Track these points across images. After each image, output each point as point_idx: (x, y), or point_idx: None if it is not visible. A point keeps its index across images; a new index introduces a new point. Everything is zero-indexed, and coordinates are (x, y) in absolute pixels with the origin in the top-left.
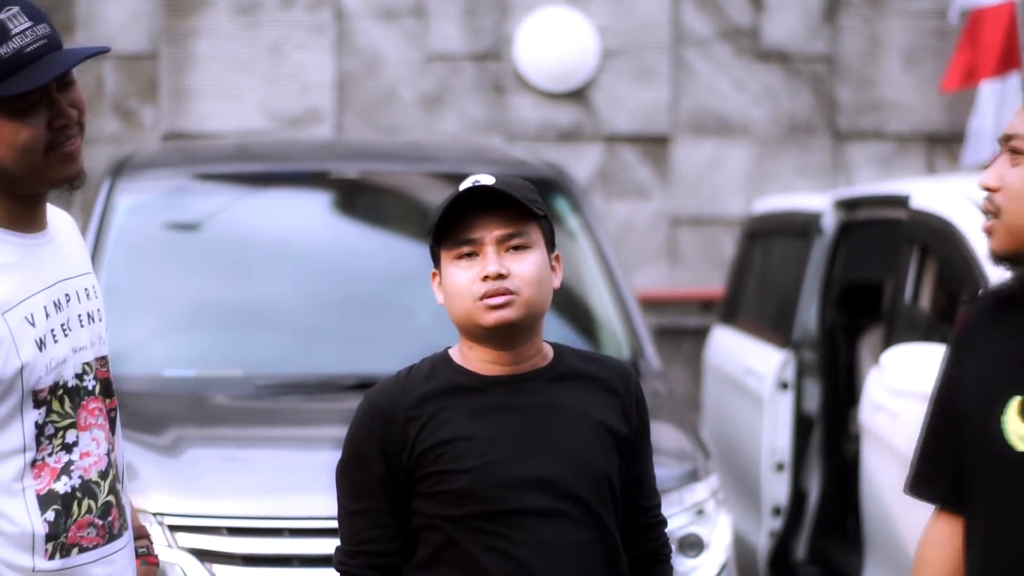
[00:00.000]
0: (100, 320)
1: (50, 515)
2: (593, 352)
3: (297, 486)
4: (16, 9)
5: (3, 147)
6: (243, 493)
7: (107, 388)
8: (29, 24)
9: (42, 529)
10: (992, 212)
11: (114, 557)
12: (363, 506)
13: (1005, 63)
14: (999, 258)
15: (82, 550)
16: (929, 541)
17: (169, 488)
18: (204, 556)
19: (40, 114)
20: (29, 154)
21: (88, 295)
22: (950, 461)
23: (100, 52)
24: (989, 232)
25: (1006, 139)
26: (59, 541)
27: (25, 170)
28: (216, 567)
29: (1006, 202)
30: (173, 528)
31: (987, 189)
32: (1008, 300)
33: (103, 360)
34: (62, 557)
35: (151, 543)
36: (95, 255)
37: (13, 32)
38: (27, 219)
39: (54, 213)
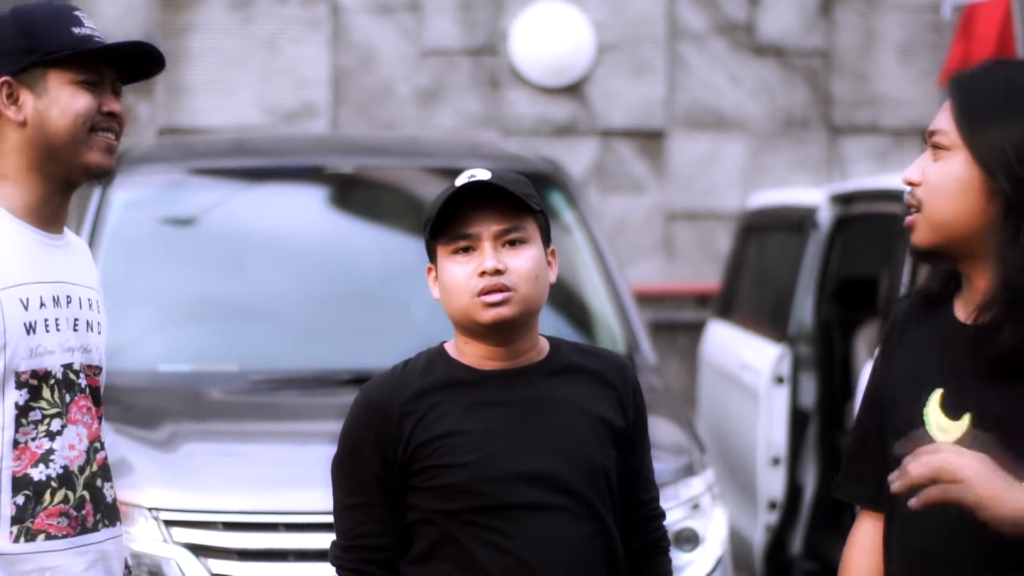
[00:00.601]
0: (100, 333)
1: (19, 499)
2: (589, 345)
3: (292, 481)
4: (86, 15)
5: (58, 111)
6: (238, 488)
7: (96, 396)
8: (96, 29)
9: (8, 512)
10: (914, 206)
11: (86, 549)
12: (359, 500)
13: (1000, 57)
14: (920, 253)
15: (49, 537)
16: (854, 543)
17: (164, 483)
18: (199, 551)
19: (95, 95)
20: (78, 124)
21: (91, 306)
22: (877, 462)
23: (159, 60)
24: (911, 227)
25: (929, 134)
26: (24, 525)
27: (70, 141)
28: (211, 562)
29: (927, 196)
30: (168, 523)
31: (909, 183)
32: (933, 298)
33: (95, 369)
34: (27, 541)
35: None
36: (90, 250)
37: (85, 24)
38: (48, 217)
39: (73, 236)
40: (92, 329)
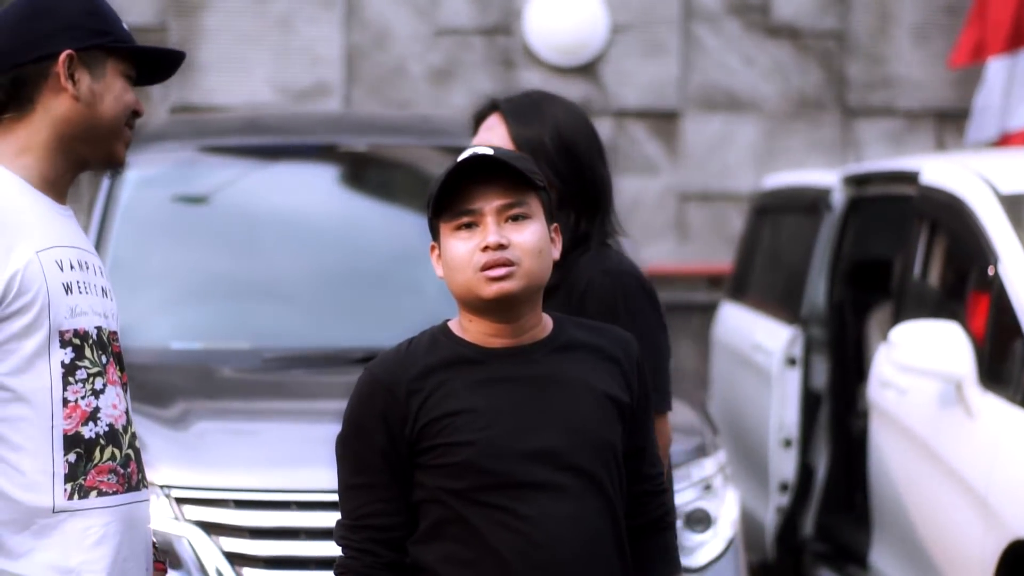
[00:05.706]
0: (112, 300)
1: (72, 456)
2: (592, 321)
3: (304, 458)
4: None
5: (112, 97)
6: (250, 465)
7: (120, 361)
8: None
9: (62, 469)
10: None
11: (131, 508)
12: (365, 480)
13: (1015, 39)
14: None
15: (101, 494)
16: None
17: (176, 461)
18: (211, 528)
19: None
20: (123, 114)
21: (101, 273)
22: None
23: (169, 72)
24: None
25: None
26: (78, 482)
27: (111, 127)
28: (223, 539)
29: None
30: (180, 500)
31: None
32: None
33: (115, 335)
34: (81, 498)
35: (156, 549)
36: (103, 228)
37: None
38: (61, 191)
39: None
40: (107, 295)
